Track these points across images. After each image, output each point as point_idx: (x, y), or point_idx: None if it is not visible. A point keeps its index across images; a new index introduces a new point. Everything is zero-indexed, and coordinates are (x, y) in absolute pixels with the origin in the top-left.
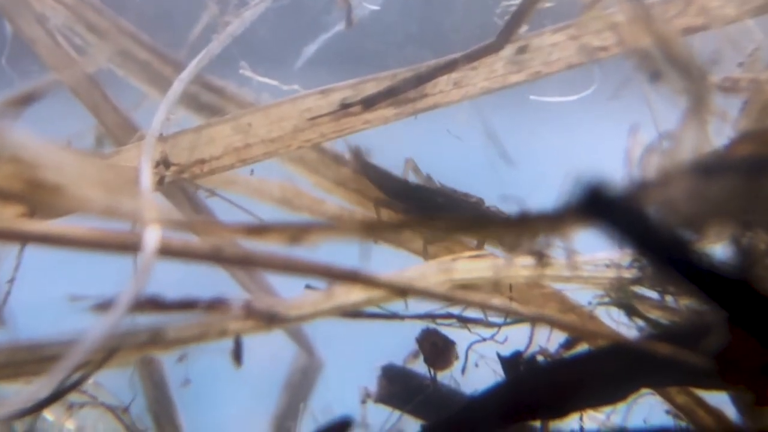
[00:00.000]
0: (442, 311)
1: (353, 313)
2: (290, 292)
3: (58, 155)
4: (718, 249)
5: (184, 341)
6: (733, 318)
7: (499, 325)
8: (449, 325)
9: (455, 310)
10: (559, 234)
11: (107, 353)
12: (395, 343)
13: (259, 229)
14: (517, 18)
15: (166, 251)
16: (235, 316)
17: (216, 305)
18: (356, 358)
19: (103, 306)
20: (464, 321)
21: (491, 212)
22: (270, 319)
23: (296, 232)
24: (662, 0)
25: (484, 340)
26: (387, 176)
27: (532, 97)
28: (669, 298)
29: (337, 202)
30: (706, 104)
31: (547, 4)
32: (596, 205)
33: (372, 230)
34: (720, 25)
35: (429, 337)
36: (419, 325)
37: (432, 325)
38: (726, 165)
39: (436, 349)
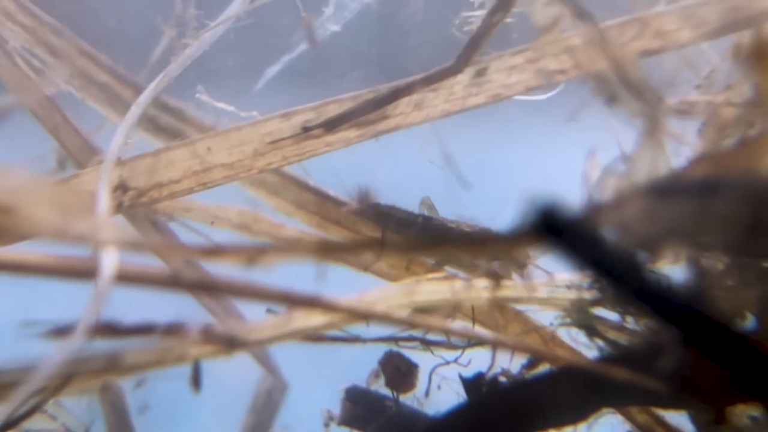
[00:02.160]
0: (405, 334)
1: (315, 336)
2: (256, 314)
3: (13, 177)
4: (677, 270)
5: (142, 366)
6: (687, 339)
7: (462, 348)
8: (412, 347)
9: (418, 332)
10: (515, 256)
11: (63, 380)
12: (360, 364)
13: (215, 251)
14: (476, 41)
15: (124, 277)
16: (194, 341)
17: (174, 330)
18: (320, 380)
19: (59, 332)
20: (427, 344)
21: (452, 232)
22: (229, 344)
23: (253, 254)
24: (619, 23)
25: (447, 363)
26: (397, 212)
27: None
28: (629, 319)
29: (297, 225)
30: (661, 127)
31: (509, 20)
32: (550, 228)
33: (329, 251)
34: (676, 48)
35: (392, 360)
36: (384, 347)
37: (395, 348)
38: (681, 187)
39: (399, 372)
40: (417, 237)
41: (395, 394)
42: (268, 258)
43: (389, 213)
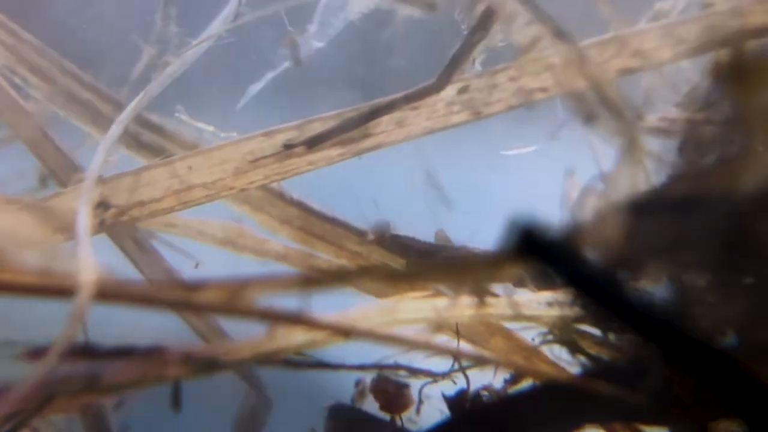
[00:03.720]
0: (390, 356)
1: (298, 362)
2: (242, 332)
3: None
4: (658, 288)
5: (123, 386)
6: (667, 356)
7: (445, 375)
8: (396, 368)
9: (402, 349)
10: (499, 275)
11: (43, 400)
12: (344, 381)
13: (197, 287)
14: (457, 59)
15: (103, 296)
16: (174, 363)
17: (153, 352)
18: (304, 398)
19: (35, 354)
20: (412, 371)
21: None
22: (209, 366)
23: (236, 289)
24: (598, 42)
25: (434, 381)
26: (416, 244)
27: (502, 152)
28: (611, 336)
29: (282, 241)
30: (639, 145)
31: (500, 44)
32: (530, 247)
33: (314, 283)
34: (656, 66)
35: (380, 386)
36: (368, 361)
37: (383, 374)
38: (660, 205)
39: (389, 395)
40: (407, 264)
41: (392, 417)
42: (251, 292)
43: (408, 244)
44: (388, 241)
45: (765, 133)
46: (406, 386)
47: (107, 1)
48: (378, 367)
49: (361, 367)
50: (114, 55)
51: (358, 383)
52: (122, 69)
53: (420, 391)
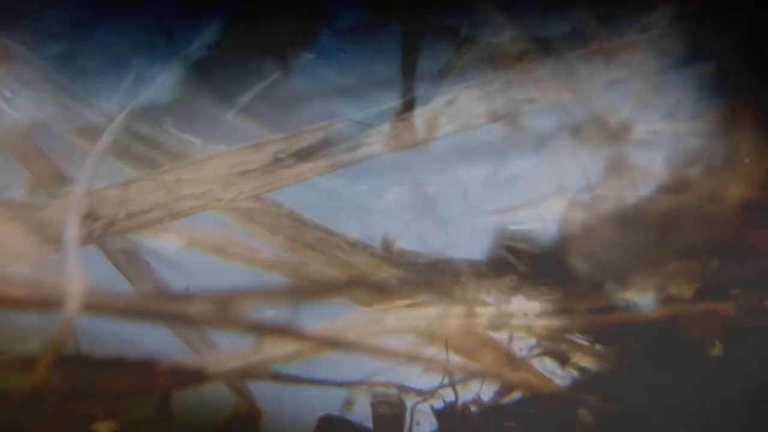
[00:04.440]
0: (380, 370)
1: (288, 377)
2: (232, 343)
3: None
4: (645, 298)
5: (113, 397)
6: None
7: (434, 391)
8: (386, 385)
9: (391, 360)
10: (486, 284)
11: (33, 410)
12: (334, 392)
13: (185, 299)
14: (446, 71)
15: (92, 307)
16: (164, 374)
17: (144, 363)
18: (295, 408)
19: (26, 364)
20: (401, 388)
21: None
22: (198, 377)
23: (225, 300)
24: (585, 53)
25: (424, 400)
26: (424, 257)
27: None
28: (599, 345)
29: (273, 250)
30: (627, 157)
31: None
32: (517, 257)
33: (304, 293)
34: (642, 78)
35: (380, 406)
36: (359, 370)
37: (380, 392)
38: (647, 216)
39: (388, 415)
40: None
41: None
42: (239, 303)
43: (417, 258)
44: (395, 254)
45: (750, 144)
46: (402, 405)
47: (97, 12)
48: (367, 383)
49: (350, 384)
50: (104, 66)
51: (347, 401)
52: (111, 80)
53: (412, 410)
